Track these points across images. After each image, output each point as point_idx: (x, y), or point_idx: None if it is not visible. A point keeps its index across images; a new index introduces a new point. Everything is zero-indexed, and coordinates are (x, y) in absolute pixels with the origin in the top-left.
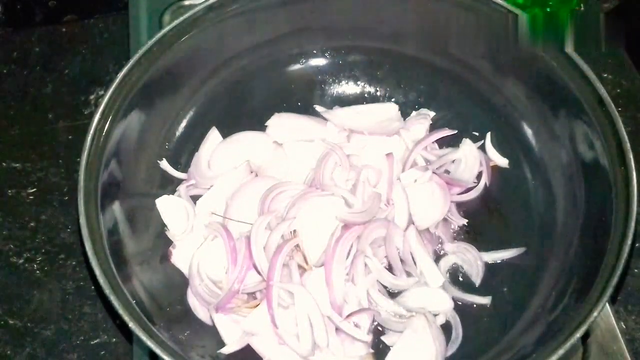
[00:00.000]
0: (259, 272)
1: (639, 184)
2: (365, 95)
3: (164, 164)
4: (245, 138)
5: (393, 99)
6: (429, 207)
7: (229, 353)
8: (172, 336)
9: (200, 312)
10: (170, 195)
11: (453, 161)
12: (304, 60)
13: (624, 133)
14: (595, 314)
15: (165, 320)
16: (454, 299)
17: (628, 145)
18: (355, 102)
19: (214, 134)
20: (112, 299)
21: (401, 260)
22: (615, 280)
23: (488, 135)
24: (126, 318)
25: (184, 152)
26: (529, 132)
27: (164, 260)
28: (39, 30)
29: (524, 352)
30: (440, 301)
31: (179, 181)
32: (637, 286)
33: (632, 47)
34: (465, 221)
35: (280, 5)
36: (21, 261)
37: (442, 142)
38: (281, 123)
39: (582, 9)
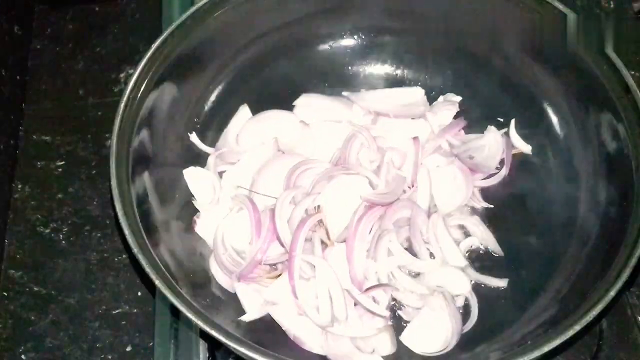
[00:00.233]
0: (282, 244)
1: None
2: (392, 77)
3: (194, 137)
4: (273, 116)
5: (419, 83)
6: (451, 192)
7: (249, 321)
8: (196, 301)
9: (223, 280)
10: (198, 167)
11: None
12: (332, 41)
13: None
14: (612, 293)
15: (189, 286)
16: (472, 280)
17: None
18: (382, 84)
19: (244, 110)
20: (140, 257)
21: (424, 241)
22: (633, 261)
23: (512, 122)
24: (153, 276)
25: (211, 128)
26: (554, 119)
27: (188, 229)
28: (73, 8)
29: (539, 331)
30: (459, 282)
31: (206, 156)
32: None
33: None
34: (488, 205)
35: None
36: (47, 231)
37: (467, 127)
38: (309, 103)
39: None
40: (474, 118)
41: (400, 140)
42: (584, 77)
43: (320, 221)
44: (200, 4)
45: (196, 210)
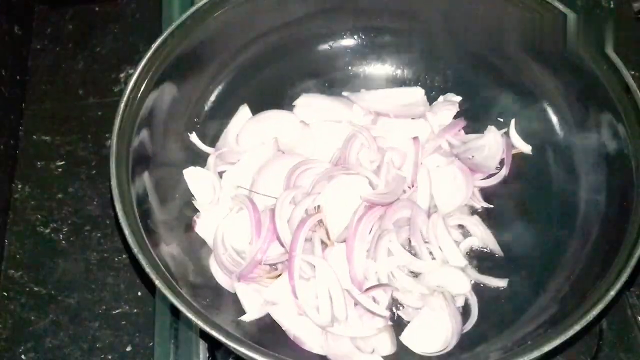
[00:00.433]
0: (282, 244)
1: None
2: (392, 77)
3: (194, 137)
4: (273, 116)
5: (419, 83)
6: (451, 192)
7: (249, 321)
8: (196, 301)
9: (223, 280)
10: (198, 167)
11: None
12: (332, 41)
13: None
14: (612, 293)
15: (189, 286)
16: (472, 280)
17: None
18: (382, 84)
19: (244, 110)
20: (140, 257)
21: (424, 241)
22: (633, 261)
23: (512, 122)
24: (153, 276)
25: (211, 128)
26: (554, 119)
27: (188, 229)
28: (73, 8)
29: (539, 331)
30: (459, 282)
31: (206, 156)
32: None
33: None
34: (488, 205)
35: None
36: (47, 231)
37: (467, 127)
38: (309, 103)
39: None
40: (474, 118)
41: (400, 140)
42: (584, 77)
43: (320, 221)
44: (200, 4)
45: (196, 210)
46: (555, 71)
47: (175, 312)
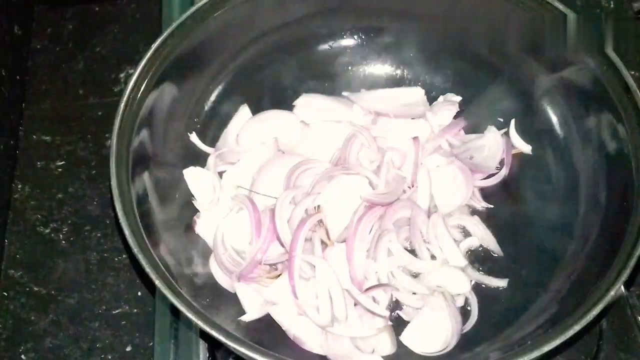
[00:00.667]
0: (282, 244)
1: None
2: (392, 77)
3: (194, 137)
4: (273, 116)
5: (419, 83)
6: (451, 192)
7: (249, 321)
8: (196, 301)
9: (223, 280)
10: (198, 167)
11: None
12: (332, 41)
13: None
14: (612, 293)
15: (189, 286)
16: (472, 280)
17: None
18: (382, 84)
19: (244, 110)
20: (140, 257)
21: (424, 241)
22: (633, 261)
23: (512, 122)
24: (153, 276)
25: (211, 128)
26: (554, 119)
27: (188, 229)
28: (73, 8)
29: (539, 331)
30: (459, 282)
31: (206, 156)
32: None
33: None
34: (488, 205)
35: None
36: (47, 231)
37: (467, 127)
38: (309, 103)
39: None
40: (474, 118)
41: (400, 140)
42: (584, 77)
43: (320, 221)
44: (200, 4)
45: (196, 210)
46: (555, 71)
47: (175, 312)
